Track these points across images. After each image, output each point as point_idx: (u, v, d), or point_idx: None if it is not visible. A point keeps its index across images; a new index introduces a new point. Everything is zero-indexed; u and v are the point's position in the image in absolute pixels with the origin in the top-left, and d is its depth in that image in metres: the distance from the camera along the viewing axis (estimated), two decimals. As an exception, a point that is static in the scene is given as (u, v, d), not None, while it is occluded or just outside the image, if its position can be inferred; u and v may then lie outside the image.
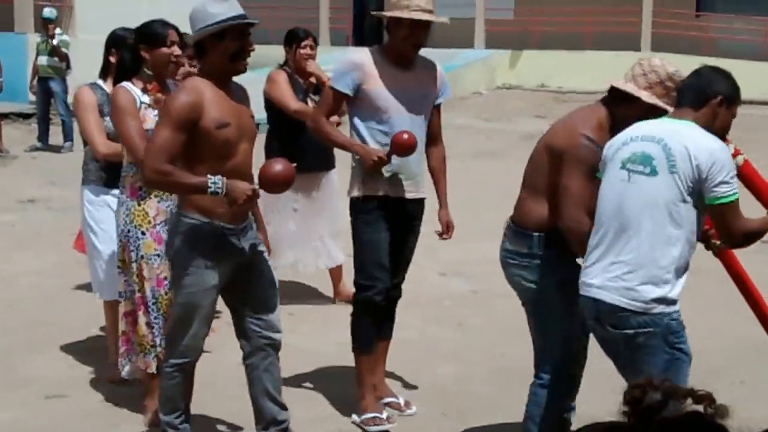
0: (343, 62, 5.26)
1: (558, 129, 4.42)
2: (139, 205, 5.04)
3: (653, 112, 4.14)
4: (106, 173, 5.65)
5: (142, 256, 5.02)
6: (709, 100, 4.01)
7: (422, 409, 5.52)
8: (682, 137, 3.87)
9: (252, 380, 4.74)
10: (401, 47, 5.16)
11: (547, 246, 4.32)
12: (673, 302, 3.83)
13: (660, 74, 4.24)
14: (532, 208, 4.39)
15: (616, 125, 4.21)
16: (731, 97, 4.04)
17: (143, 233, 5.03)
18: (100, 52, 5.72)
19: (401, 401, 5.56)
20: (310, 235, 7.36)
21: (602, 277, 3.91)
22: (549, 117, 19.53)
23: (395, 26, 5.11)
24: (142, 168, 4.49)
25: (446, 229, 5.43)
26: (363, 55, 5.21)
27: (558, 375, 4.42)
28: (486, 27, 25.69)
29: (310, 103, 7.10)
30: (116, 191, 5.32)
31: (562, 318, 4.32)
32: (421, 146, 5.24)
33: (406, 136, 5.03)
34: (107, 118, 5.44)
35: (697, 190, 3.81)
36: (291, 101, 7.09)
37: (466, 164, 13.42)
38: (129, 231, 5.05)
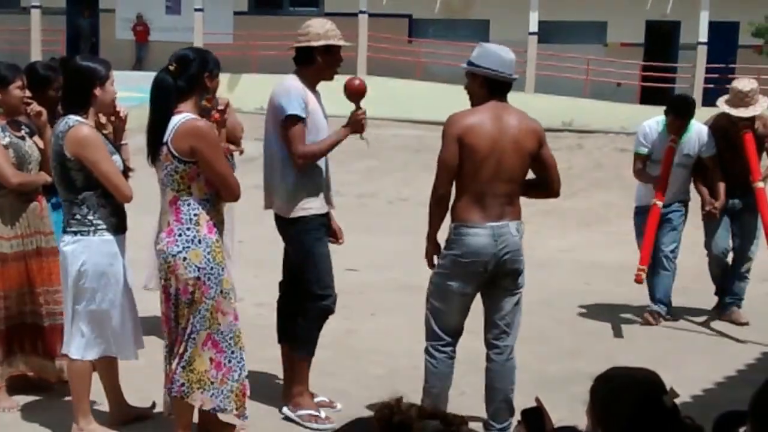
0: (287, 89, 5.49)
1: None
2: (218, 242, 4.99)
3: None
4: (116, 219, 5.17)
5: (221, 291, 4.98)
6: None
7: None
8: None
9: None
10: (328, 72, 5.58)
11: None
12: None
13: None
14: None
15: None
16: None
17: (223, 269, 5.00)
18: None
19: (327, 399, 5.92)
20: None
21: None
22: (270, 139, 19.83)
23: (326, 54, 5.54)
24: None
25: (341, 234, 5.88)
26: (297, 81, 5.53)
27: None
28: (205, 50, 25.67)
29: None
30: (124, 235, 5.19)
31: None
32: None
33: (357, 81, 5.59)
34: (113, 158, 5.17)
35: None
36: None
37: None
38: (212, 268, 4.95)
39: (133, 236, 5.34)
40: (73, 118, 5.06)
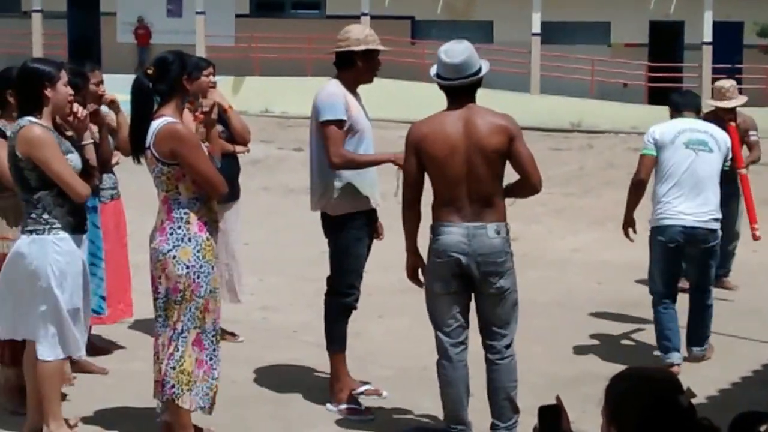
0: (328, 94, 5.69)
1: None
2: (208, 240, 5.01)
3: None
4: (74, 218, 5.11)
5: (211, 291, 5.01)
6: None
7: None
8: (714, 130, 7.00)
9: None
10: (367, 76, 5.84)
11: None
12: None
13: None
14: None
15: None
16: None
17: (213, 267, 5.04)
18: None
19: (373, 387, 6.10)
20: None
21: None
22: (275, 141, 19.76)
23: (366, 58, 5.77)
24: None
25: (381, 231, 6.06)
26: (338, 86, 5.73)
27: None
28: (207, 54, 25.70)
29: None
30: (82, 236, 5.18)
31: None
32: None
33: None
34: (68, 156, 5.08)
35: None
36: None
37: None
38: (201, 266, 4.97)
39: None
40: (26, 119, 5.07)
